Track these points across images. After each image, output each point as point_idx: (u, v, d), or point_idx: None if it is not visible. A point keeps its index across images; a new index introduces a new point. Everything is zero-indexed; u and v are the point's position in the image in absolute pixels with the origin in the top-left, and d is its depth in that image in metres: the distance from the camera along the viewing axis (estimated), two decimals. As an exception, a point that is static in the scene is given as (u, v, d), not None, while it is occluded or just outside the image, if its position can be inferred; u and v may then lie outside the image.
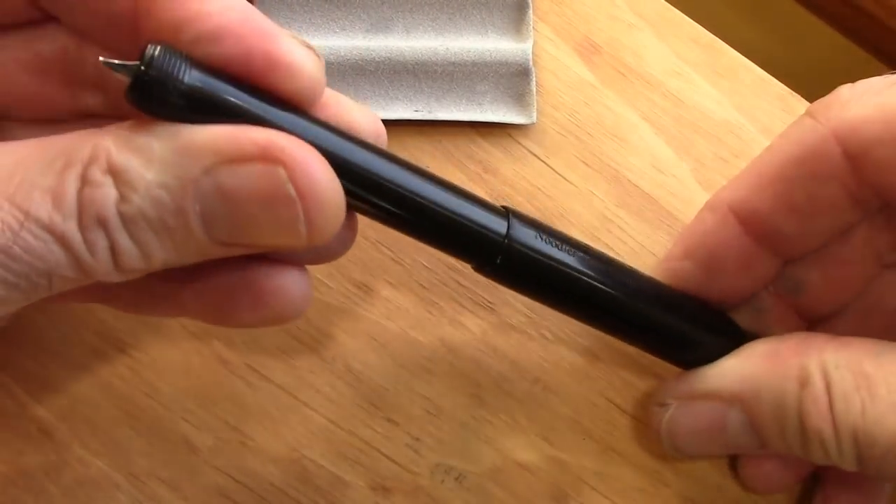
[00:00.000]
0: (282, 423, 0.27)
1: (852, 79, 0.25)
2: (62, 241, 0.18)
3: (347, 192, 0.20)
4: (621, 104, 0.31)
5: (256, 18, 0.19)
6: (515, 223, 0.23)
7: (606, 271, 0.24)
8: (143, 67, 0.18)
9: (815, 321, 0.27)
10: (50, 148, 0.19)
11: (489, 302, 0.29)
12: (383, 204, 0.21)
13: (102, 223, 0.18)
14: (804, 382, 0.23)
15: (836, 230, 0.25)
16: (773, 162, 0.25)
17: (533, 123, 0.30)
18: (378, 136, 0.22)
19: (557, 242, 0.24)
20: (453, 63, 0.30)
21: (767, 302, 0.27)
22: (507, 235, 0.22)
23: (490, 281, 0.29)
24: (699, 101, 0.32)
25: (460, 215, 0.22)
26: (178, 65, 0.18)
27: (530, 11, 0.31)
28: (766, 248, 0.26)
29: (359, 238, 0.29)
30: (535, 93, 0.30)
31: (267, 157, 0.19)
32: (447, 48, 0.30)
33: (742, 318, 0.27)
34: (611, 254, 0.25)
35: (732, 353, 0.25)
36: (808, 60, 0.54)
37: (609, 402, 0.29)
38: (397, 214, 0.21)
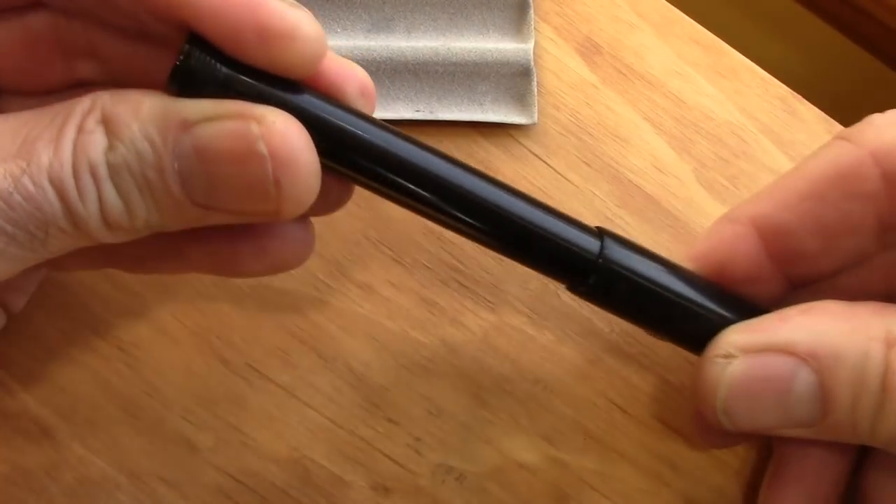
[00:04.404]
0: (282, 423, 0.27)
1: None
2: (59, 187, 0.19)
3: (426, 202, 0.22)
4: (622, 104, 0.31)
5: None
6: (610, 243, 0.23)
7: (699, 289, 0.24)
8: (183, 58, 0.19)
9: None
10: (51, 108, 0.20)
11: (490, 302, 0.29)
12: (452, 211, 0.22)
13: (93, 170, 0.19)
14: (892, 343, 0.22)
15: (855, 255, 0.25)
16: (804, 179, 0.25)
17: (534, 124, 0.30)
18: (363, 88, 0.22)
19: (652, 262, 0.24)
20: (454, 63, 0.30)
21: None
22: (601, 255, 0.23)
23: (491, 281, 0.29)
24: (700, 101, 0.31)
25: (554, 234, 0.23)
26: (214, 54, 0.19)
27: (531, 11, 0.31)
28: (780, 267, 0.25)
29: (359, 238, 0.29)
30: (536, 93, 0.30)
31: (243, 115, 0.19)
32: (448, 48, 0.30)
33: None
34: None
35: (797, 307, 0.24)
36: (808, 61, 0.54)
37: (610, 403, 0.29)
38: (476, 226, 0.22)
